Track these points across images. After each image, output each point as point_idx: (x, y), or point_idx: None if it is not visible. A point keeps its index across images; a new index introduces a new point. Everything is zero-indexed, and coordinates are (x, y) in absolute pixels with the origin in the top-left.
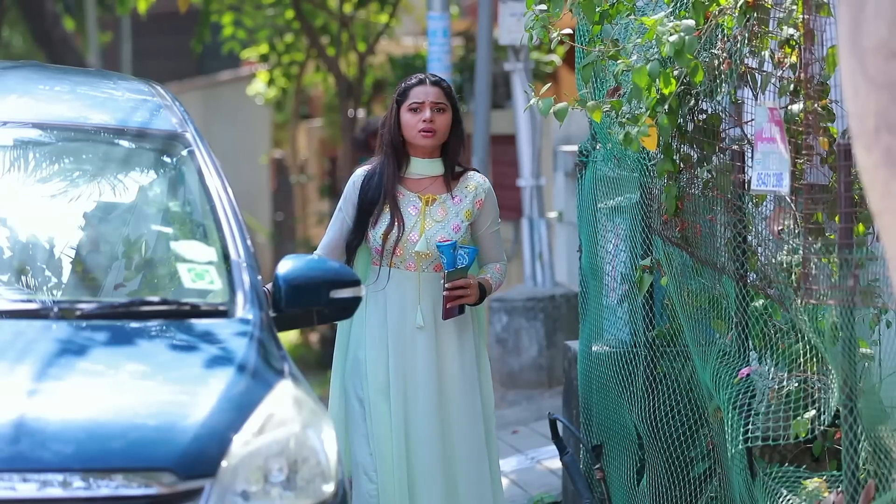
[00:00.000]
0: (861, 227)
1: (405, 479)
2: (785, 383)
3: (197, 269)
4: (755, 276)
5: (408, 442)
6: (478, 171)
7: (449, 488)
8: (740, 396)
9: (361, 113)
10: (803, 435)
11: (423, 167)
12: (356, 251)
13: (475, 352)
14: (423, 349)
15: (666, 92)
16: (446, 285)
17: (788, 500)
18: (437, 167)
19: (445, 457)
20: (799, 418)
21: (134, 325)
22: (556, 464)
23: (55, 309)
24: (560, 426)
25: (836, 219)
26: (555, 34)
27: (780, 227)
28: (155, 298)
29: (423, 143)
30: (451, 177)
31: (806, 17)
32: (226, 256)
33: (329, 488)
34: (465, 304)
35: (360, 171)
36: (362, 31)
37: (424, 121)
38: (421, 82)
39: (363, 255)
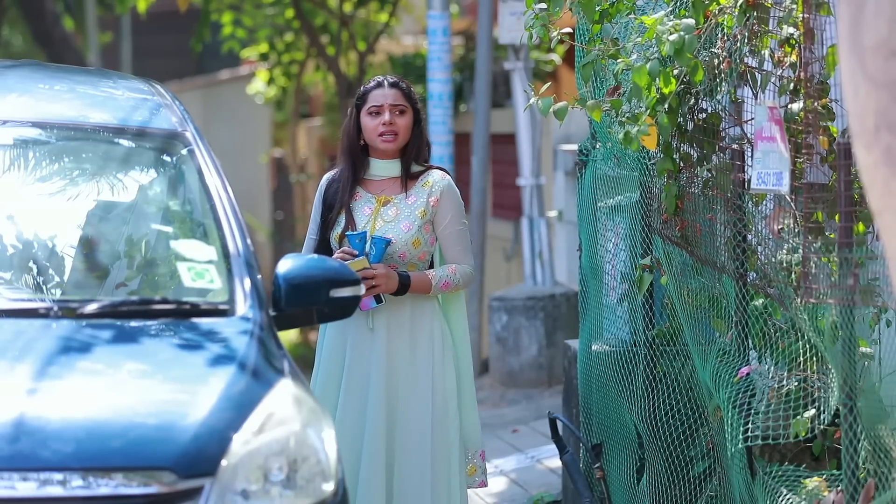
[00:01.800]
0: (861, 226)
1: (353, 480)
2: (785, 382)
3: (197, 267)
4: (755, 275)
5: (360, 443)
6: (441, 169)
7: (392, 494)
8: (740, 395)
9: None
10: (803, 434)
11: (382, 168)
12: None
13: (432, 357)
14: (375, 352)
15: (666, 91)
16: None
17: (788, 499)
18: (395, 168)
19: (390, 463)
20: (799, 417)
21: (134, 324)
22: (556, 463)
23: (55, 308)
24: (560, 425)
25: (836, 218)
26: (555, 33)
27: (779, 226)
28: (155, 297)
29: (385, 146)
30: (408, 177)
31: (806, 15)
32: (226, 255)
33: (329, 487)
34: (381, 294)
35: (327, 176)
36: (362, 31)
37: (384, 124)
38: (379, 85)
39: None
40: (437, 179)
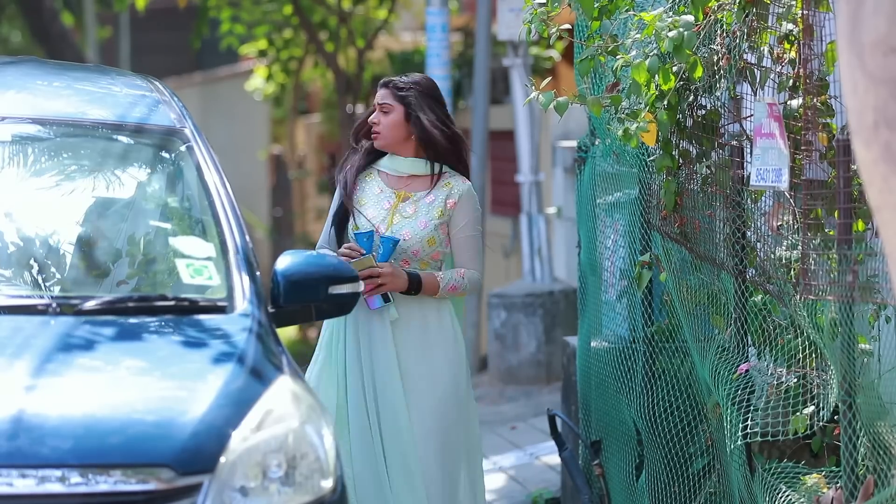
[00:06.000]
0: (860, 223)
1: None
2: (784, 379)
3: (195, 264)
4: (754, 271)
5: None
6: (464, 176)
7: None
8: (739, 392)
9: (360, 109)
10: (802, 431)
11: (403, 165)
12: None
13: (446, 356)
14: (384, 344)
15: (665, 87)
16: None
17: (787, 495)
18: (420, 166)
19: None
20: (798, 414)
21: (132, 320)
22: (555, 460)
23: (53, 304)
24: (559, 422)
25: (836, 214)
26: (553, 29)
27: (779, 223)
28: (153, 294)
29: (375, 144)
30: (433, 174)
31: (805, 12)
32: (224, 252)
33: (328, 484)
34: (388, 293)
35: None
36: (361, 27)
37: (371, 122)
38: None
39: None
40: (459, 183)
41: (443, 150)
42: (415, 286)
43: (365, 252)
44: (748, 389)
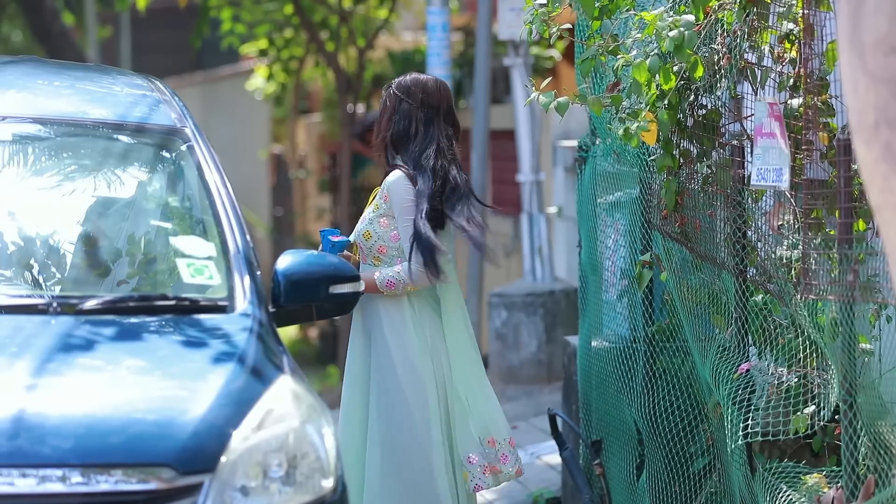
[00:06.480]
0: (861, 223)
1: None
2: (784, 379)
3: (196, 264)
4: (755, 271)
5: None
6: (400, 169)
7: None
8: (740, 392)
9: (361, 108)
10: (803, 430)
11: None
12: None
13: (399, 359)
14: (360, 341)
15: (665, 87)
16: None
17: (788, 495)
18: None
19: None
20: (798, 414)
21: (133, 320)
22: (556, 459)
23: (54, 304)
24: (559, 422)
25: (836, 214)
26: (554, 29)
27: (779, 223)
28: (154, 294)
29: None
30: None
31: (805, 11)
32: (225, 252)
33: (328, 484)
34: None
35: None
36: (361, 26)
37: None
38: None
39: None
40: (389, 178)
41: (380, 147)
42: None
43: (323, 249)
44: (749, 389)
